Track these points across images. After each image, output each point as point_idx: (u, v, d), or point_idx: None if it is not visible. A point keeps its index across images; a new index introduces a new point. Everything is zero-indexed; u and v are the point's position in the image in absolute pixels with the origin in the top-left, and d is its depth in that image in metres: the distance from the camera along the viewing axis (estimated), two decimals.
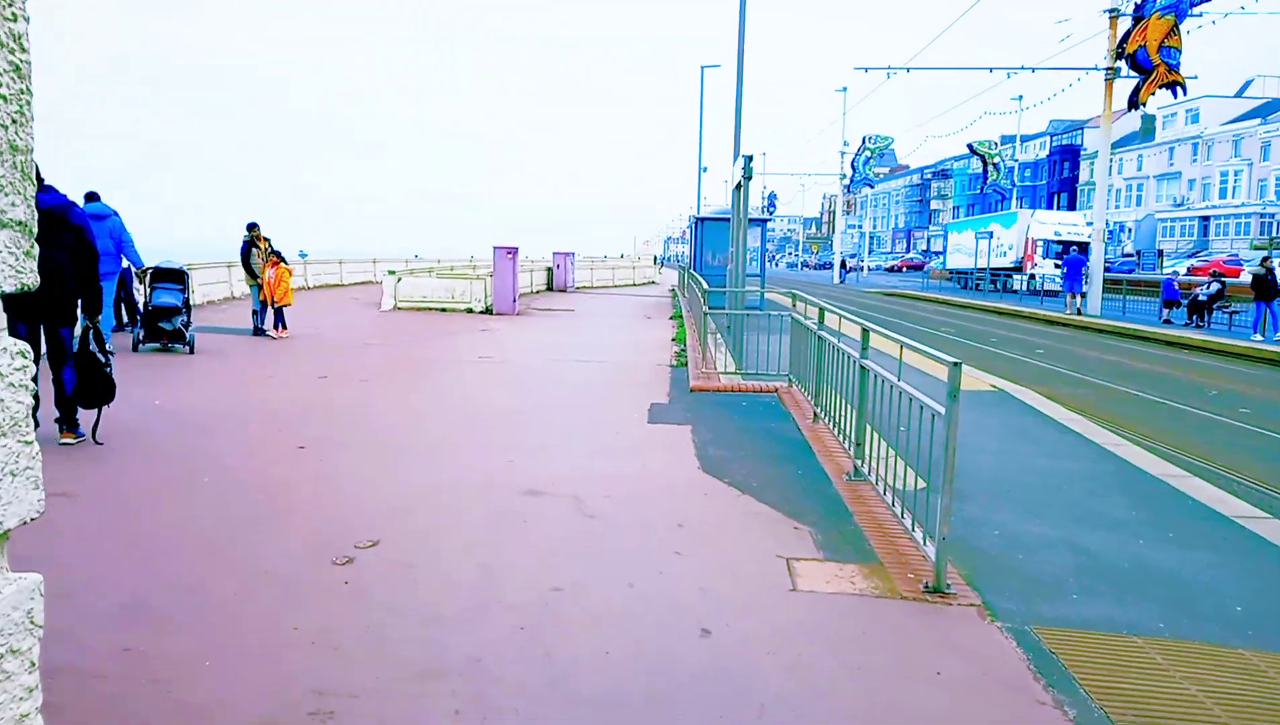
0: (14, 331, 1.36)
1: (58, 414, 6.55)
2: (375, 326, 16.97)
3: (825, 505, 5.58)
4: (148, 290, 11.79)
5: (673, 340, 16.19)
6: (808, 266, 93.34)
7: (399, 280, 21.19)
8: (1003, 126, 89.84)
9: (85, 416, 6.61)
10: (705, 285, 14.92)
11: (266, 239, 14.25)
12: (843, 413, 6.60)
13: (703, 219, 24.08)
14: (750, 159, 13.46)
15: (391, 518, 5.10)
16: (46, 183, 6.23)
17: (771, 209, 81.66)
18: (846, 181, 55.09)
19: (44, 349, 6.32)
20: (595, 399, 9.72)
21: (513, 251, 21.43)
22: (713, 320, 13.94)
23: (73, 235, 6.17)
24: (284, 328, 14.23)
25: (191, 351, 11.64)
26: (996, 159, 48.78)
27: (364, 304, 22.19)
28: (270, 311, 14.17)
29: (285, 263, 14.50)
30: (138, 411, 7.64)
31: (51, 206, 6.04)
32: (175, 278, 11.83)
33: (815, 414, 7.93)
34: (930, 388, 4.62)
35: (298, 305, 21.46)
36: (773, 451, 7.08)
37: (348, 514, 5.16)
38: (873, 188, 62.29)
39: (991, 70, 29.58)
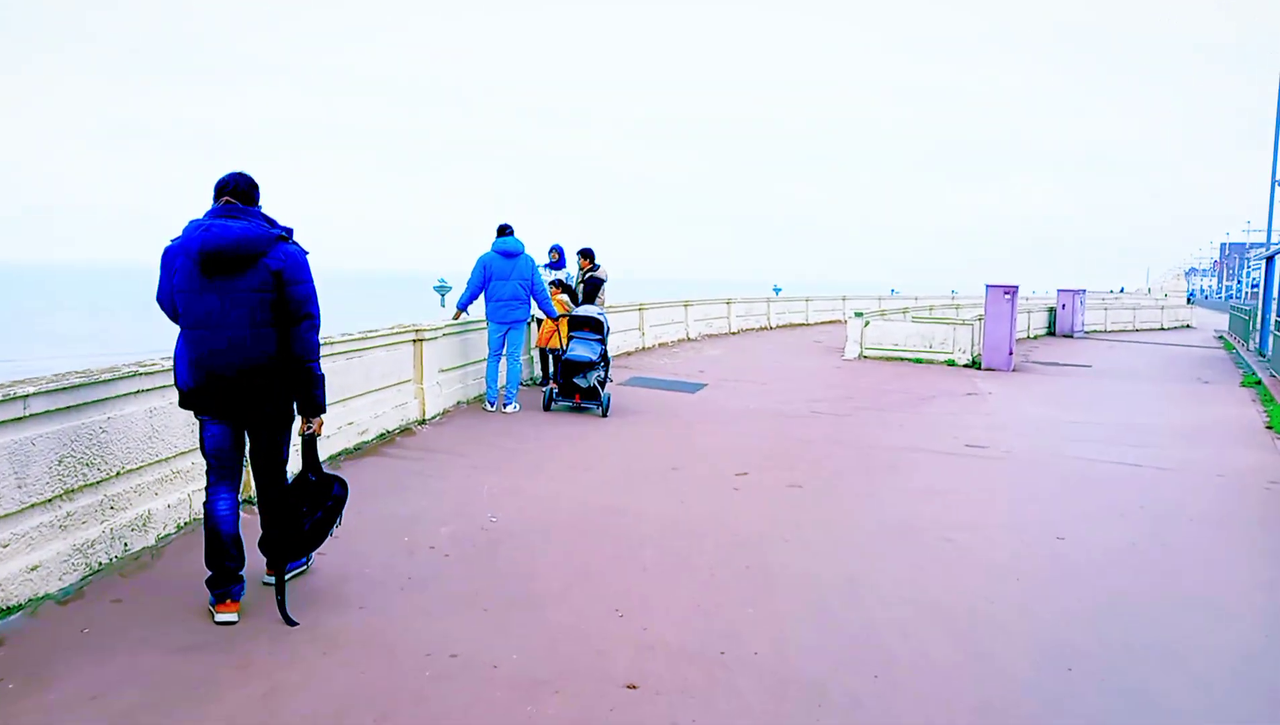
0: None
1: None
2: (830, 383, 13.90)
3: None
4: (564, 340, 10.08)
5: (1268, 427, 10.68)
6: None
7: (866, 324, 17.97)
8: None
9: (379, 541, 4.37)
10: None
11: (593, 265, 11.67)
12: None
13: None
14: None
15: None
16: (228, 203, 3.86)
17: None
18: None
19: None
20: (1193, 561, 5.45)
21: (1011, 292, 16.97)
22: None
23: (261, 281, 3.76)
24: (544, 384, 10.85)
25: (605, 413, 9.61)
26: None
27: (825, 350, 19.36)
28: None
29: (589, 300, 11.23)
30: (460, 518, 5.39)
31: (227, 239, 3.71)
32: (592, 327, 9.93)
33: None
34: None
35: (749, 348, 19.95)
36: None
37: None
38: None
39: None
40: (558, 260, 11.63)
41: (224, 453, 3.89)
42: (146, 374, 4.40)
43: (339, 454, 6.84)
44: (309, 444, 4.07)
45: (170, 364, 4.07)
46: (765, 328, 24.64)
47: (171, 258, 3.75)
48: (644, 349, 17.08)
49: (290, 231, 3.89)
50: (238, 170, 3.92)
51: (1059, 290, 27.87)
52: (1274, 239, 26.08)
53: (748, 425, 9.74)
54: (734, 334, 22.22)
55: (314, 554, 4.42)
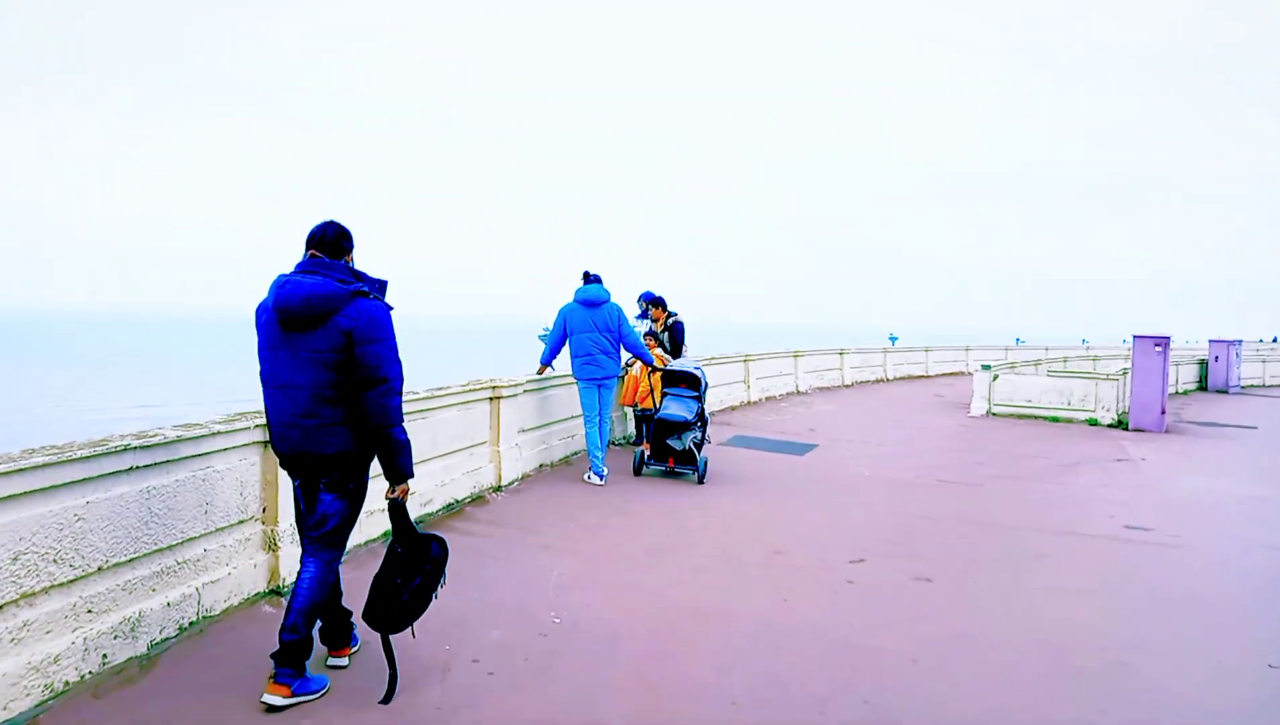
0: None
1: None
2: (957, 445, 12.52)
3: None
4: (658, 397, 9.20)
5: None
6: None
7: (995, 378, 16.42)
8: None
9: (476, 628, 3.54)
10: None
11: (668, 312, 10.43)
12: None
13: None
14: None
15: None
16: (313, 257, 3.70)
17: None
18: None
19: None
20: None
21: (1163, 343, 15.18)
22: None
23: (331, 341, 3.53)
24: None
25: (701, 480, 8.64)
26: None
27: (948, 405, 17.84)
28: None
29: (674, 350, 10.15)
30: (518, 618, 4.51)
31: (297, 296, 3.55)
32: (689, 383, 9.02)
33: None
34: None
35: (863, 403, 18.27)
36: None
37: None
38: None
39: None
40: (647, 311, 10.82)
41: (301, 521, 3.80)
42: (145, 448, 3.74)
43: (464, 500, 6.12)
44: (395, 511, 3.73)
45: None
46: (881, 380, 23.17)
47: (258, 315, 3.66)
48: (749, 403, 16.04)
49: (380, 285, 3.71)
50: (328, 220, 3.74)
51: (1211, 341, 25.31)
52: None
53: (864, 496, 8.58)
54: (847, 387, 20.89)
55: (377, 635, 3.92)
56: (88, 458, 3.39)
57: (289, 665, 3.55)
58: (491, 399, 7.72)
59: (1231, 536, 7.47)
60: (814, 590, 5.54)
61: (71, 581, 3.41)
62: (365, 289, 3.61)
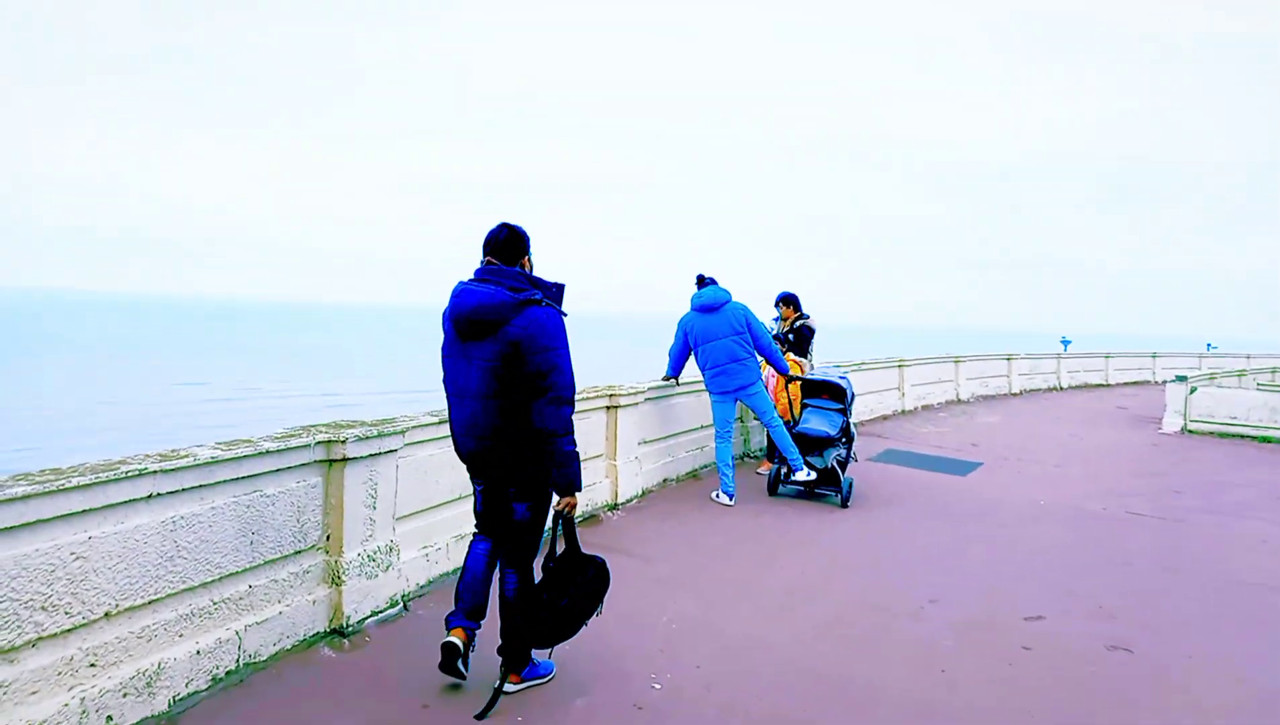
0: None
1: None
2: (1147, 468, 10.85)
3: None
4: (796, 409, 8.24)
5: None
6: None
7: (1192, 390, 14.39)
8: None
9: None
10: None
11: (799, 313, 9.14)
12: None
13: None
14: None
15: None
16: (489, 264, 3.66)
17: None
18: None
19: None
20: None
21: None
22: None
23: (500, 350, 3.52)
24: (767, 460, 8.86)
25: (845, 503, 7.63)
26: None
27: (1134, 419, 15.85)
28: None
29: (799, 355, 9.00)
30: (612, 681, 3.73)
31: (468, 306, 3.56)
32: (832, 393, 8.02)
33: None
34: None
35: (1034, 415, 16.33)
36: None
37: None
38: None
39: None
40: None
41: (482, 517, 3.87)
42: (170, 472, 3.20)
43: None
44: (563, 525, 3.71)
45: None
46: (1054, 388, 21.08)
47: (443, 321, 3.69)
48: (904, 413, 14.71)
49: (556, 290, 3.63)
50: (501, 223, 3.69)
51: None
52: None
53: (1038, 529, 7.33)
54: (1015, 396, 19.04)
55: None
56: (88, 485, 2.86)
57: (515, 663, 3.72)
58: (609, 408, 7.01)
59: None
60: (980, 658, 4.50)
61: (67, 631, 2.89)
62: (537, 296, 3.52)
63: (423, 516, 4.87)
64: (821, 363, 10.93)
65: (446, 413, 3.92)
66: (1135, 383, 23.91)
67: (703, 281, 7.68)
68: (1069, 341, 42.95)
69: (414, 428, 4.72)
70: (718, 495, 7.52)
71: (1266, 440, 13.49)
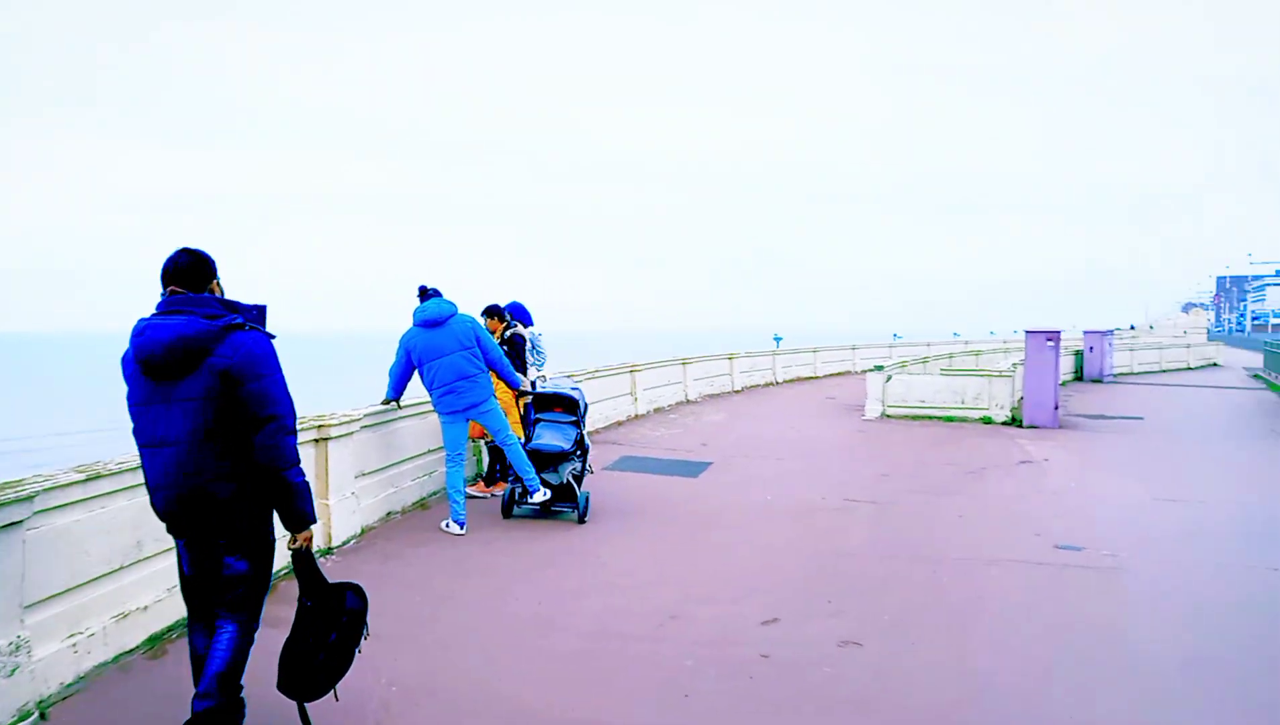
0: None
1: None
2: (858, 454, 11.67)
3: None
4: (527, 425, 7.88)
5: None
6: None
7: (888, 378, 15.79)
8: None
9: None
10: None
11: (507, 323, 8.77)
12: None
13: None
14: None
15: None
16: (173, 293, 3.25)
17: None
18: None
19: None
20: None
21: (1054, 337, 14.88)
22: None
23: (207, 385, 3.16)
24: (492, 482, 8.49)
25: (582, 519, 7.38)
26: None
27: (841, 408, 17.15)
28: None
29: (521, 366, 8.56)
30: None
31: (161, 341, 3.13)
32: (564, 406, 7.75)
33: None
34: None
35: (756, 410, 16.81)
36: None
37: None
38: None
39: None
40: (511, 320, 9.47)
41: (190, 582, 3.36)
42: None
43: (171, 629, 4.60)
44: (299, 561, 3.38)
45: None
46: (771, 383, 22.45)
47: (123, 367, 3.25)
48: (637, 417, 14.88)
49: (257, 312, 3.31)
50: (181, 248, 3.29)
51: (1085, 332, 25.80)
52: None
53: (768, 527, 7.49)
54: (738, 392, 20.03)
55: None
56: None
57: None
58: (318, 441, 6.25)
59: (1165, 556, 6.72)
60: (721, 674, 4.36)
61: None
62: (238, 321, 3.21)
63: (67, 598, 3.93)
64: (555, 373, 10.70)
65: (105, 468, 3.44)
66: (840, 373, 26.11)
67: (426, 293, 7.12)
68: (780, 338, 46.28)
69: (50, 490, 3.79)
70: (448, 525, 6.98)
71: (950, 419, 15.09)
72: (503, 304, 8.70)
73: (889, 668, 4.50)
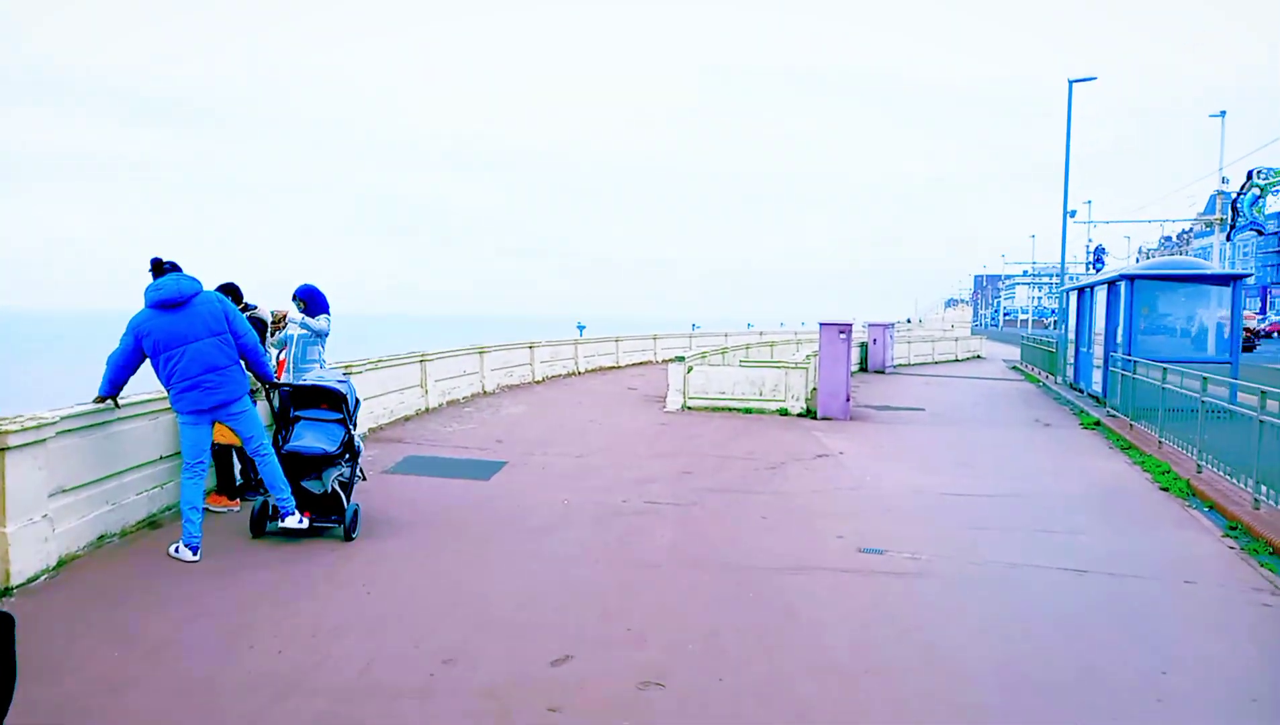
0: None
1: None
2: (660, 449, 11.23)
3: None
4: (283, 425, 6.73)
5: (1161, 488, 9.12)
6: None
7: (689, 370, 15.56)
8: None
9: None
10: None
11: (245, 305, 7.71)
12: None
13: (1134, 277, 16.24)
14: None
15: None
16: None
17: (1099, 265, 69.10)
18: (1228, 228, 43.50)
19: None
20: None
21: (846, 329, 15.16)
22: None
23: None
24: (232, 497, 7.27)
25: (350, 536, 6.37)
26: None
27: (643, 399, 16.80)
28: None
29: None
30: None
31: None
32: (329, 402, 6.68)
33: None
34: None
35: (557, 402, 16.06)
36: None
37: None
38: (1263, 233, 49.58)
39: None
40: (305, 308, 8.32)
41: None
42: None
43: None
44: None
45: None
46: (574, 373, 21.85)
47: None
48: (428, 411, 13.77)
49: None
50: None
51: (869, 324, 27.05)
52: (1070, 271, 26.46)
53: (565, 535, 6.80)
54: (538, 383, 19.26)
55: None
56: None
57: None
58: None
59: (962, 555, 6.60)
60: None
61: None
62: None
63: None
64: (334, 363, 9.54)
65: None
66: (642, 363, 25.95)
67: (161, 267, 5.86)
68: (584, 326, 45.91)
69: None
70: (178, 549, 5.77)
71: (749, 411, 15.06)
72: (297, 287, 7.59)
73: (696, 712, 3.91)
